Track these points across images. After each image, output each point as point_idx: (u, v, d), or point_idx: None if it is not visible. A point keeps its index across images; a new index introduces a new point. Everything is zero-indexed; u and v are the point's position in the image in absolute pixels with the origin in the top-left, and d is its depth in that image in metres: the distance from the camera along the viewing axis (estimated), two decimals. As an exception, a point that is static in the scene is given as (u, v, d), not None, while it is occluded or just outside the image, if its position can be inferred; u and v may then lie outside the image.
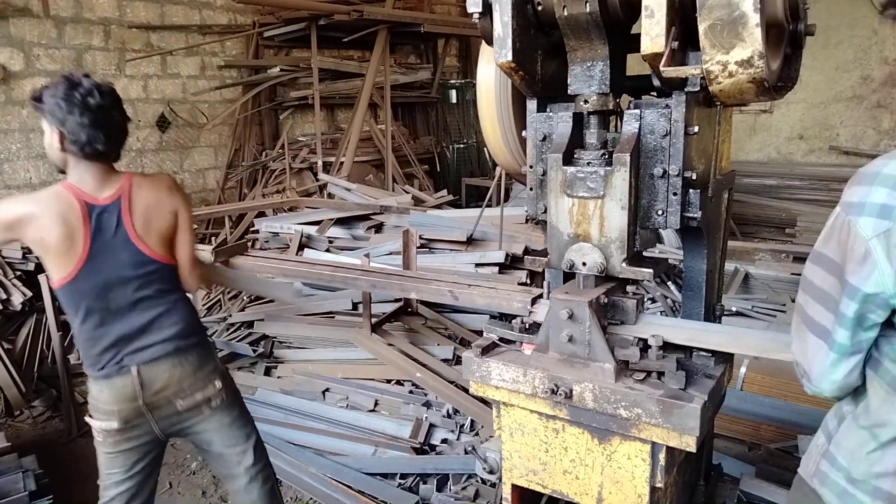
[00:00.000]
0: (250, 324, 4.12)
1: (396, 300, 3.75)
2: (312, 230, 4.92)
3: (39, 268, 4.10)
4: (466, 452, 2.81)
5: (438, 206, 5.58)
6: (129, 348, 1.86)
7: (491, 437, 2.12)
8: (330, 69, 7.56)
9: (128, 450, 1.92)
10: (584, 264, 1.66)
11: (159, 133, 6.67)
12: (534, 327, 1.85)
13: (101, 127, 1.79)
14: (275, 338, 3.98)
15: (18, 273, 4.22)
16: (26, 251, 4.31)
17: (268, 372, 3.79)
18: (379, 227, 5.03)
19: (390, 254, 4.20)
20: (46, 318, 3.85)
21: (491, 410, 1.85)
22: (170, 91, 6.72)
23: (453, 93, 8.74)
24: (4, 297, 4.03)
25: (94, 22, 6.07)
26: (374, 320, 3.44)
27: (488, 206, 4.28)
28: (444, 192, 6.24)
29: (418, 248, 3.74)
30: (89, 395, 1.91)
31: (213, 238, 6.34)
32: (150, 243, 1.88)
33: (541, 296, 2.12)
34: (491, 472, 1.88)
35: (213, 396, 1.98)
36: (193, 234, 2.00)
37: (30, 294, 4.04)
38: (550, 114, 1.79)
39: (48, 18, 5.71)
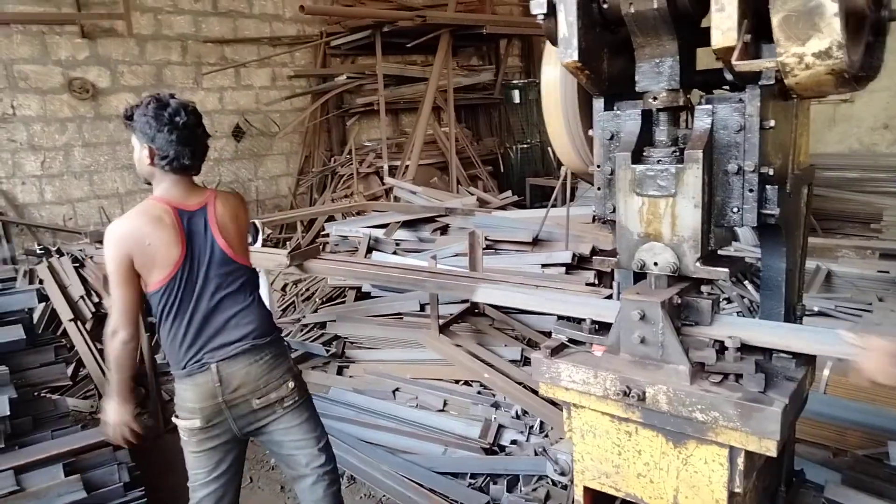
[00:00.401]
0: (322, 325, 4.24)
1: (463, 301, 3.78)
2: (380, 233, 5.01)
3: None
4: (536, 454, 2.80)
5: (503, 208, 5.58)
6: (209, 346, 1.98)
7: (561, 438, 2.11)
8: (394, 75, 7.69)
9: (211, 448, 2.02)
10: (655, 264, 1.63)
11: (235, 143, 6.96)
12: (604, 328, 1.84)
13: (187, 144, 1.95)
14: (346, 338, 4.08)
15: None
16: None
17: (340, 371, 3.89)
18: (444, 229, 5.08)
19: (456, 255, 4.23)
20: (135, 321, 4.08)
21: (560, 412, 1.84)
22: (244, 102, 7.00)
23: (516, 93, 8.72)
24: (97, 300, 4.30)
25: (172, 38, 6.41)
26: (441, 321, 3.48)
27: (554, 206, 4.25)
28: (509, 192, 6.23)
29: (484, 249, 3.76)
30: (175, 394, 2.04)
31: (286, 242, 6.57)
32: (233, 245, 2.02)
33: (609, 296, 2.11)
34: (562, 474, 1.87)
35: (286, 396, 2.06)
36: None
37: (120, 297, 4.29)
38: (618, 112, 1.76)
39: (131, 37, 6.07)
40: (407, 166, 7.02)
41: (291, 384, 2.08)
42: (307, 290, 4.98)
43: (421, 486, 2.80)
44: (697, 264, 1.57)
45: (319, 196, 7.53)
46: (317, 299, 4.75)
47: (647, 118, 1.71)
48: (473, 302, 3.66)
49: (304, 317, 4.45)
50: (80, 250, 4.71)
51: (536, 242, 4.03)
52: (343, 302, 4.52)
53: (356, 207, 5.84)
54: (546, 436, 2.94)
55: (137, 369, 4.21)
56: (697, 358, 1.55)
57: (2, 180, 5.54)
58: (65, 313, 4.11)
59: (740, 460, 1.49)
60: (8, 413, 2.47)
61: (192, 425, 1.98)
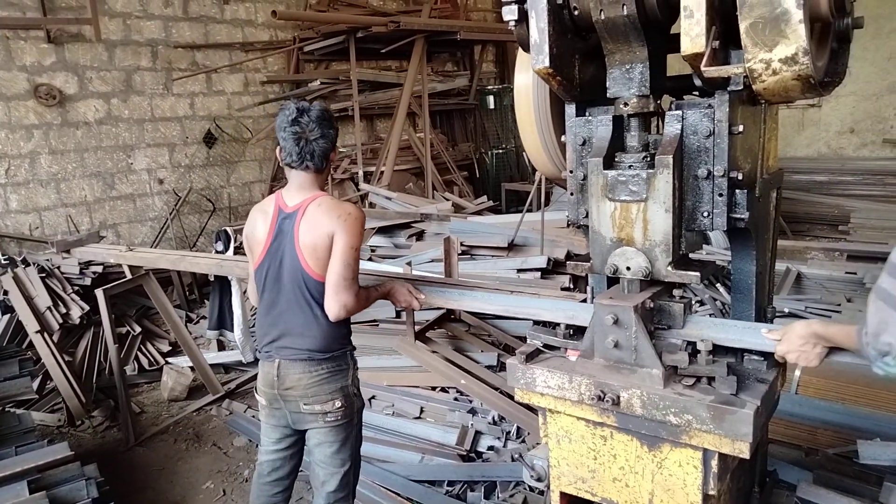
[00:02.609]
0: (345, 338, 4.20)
1: (439, 307, 3.77)
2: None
3: (96, 282, 4.28)
4: (514, 460, 2.80)
5: (479, 213, 5.59)
6: (277, 343, 2.09)
7: (538, 444, 2.11)
8: (369, 80, 7.67)
9: (272, 426, 2.19)
10: (628, 269, 1.64)
11: (206, 149, 6.86)
12: (578, 333, 1.84)
13: (296, 143, 2.03)
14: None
15: (76, 288, 4.40)
16: (83, 266, 4.49)
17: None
18: (420, 235, 5.07)
19: (432, 261, 4.22)
20: (103, 331, 3.99)
21: (537, 417, 1.84)
22: (215, 108, 6.92)
23: (491, 98, 8.75)
24: (64, 311, 4.21)
25: (142, 44, 6.31)
26: (417, 328, 3.46)
27: (529, 211, 4.26)
28: (484, 198, 6.24)
29: (459, 254, 3.75)
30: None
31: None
32: (307, 255, 2.01)
33: (584, 301, 2.11)
34: (539, 480, 1.87)
35: (330, 412, 2.09)
36: (345, 264, 1.99)
37: (87, 308, 4.20)
38: (590, 118, 1.78)
39: (99, 42, 5.96)
40: (382, 172, 7.00)
41: (338, 403, 2.09)
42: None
43: (398, 495, 2.77)
44: (669, 268, 1.58)
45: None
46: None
47: (619, 124, 1.72)
48: (449, 308, 3.65)
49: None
50: (47, 260, 4.60)
51: (512, 247, 4.04)
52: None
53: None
54: (523, 441, 2.94)
55: (106, 381, 4.15)
56: (670, 361, 1.56)
57: (-36, 189, 5.39)
58: (31, 325, 4.00)
59: (714, 462, 1.50)
60: (-31, 429, 2.40)
61: (260, 401, 2.19)
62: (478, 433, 3.02)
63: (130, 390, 3.84)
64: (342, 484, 2.18)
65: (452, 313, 3.68)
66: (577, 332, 1.85)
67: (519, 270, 3.73)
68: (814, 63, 1.32)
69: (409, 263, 3.45)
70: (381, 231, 5.10)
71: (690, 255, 1.69)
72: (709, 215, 1.59)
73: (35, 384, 3.72)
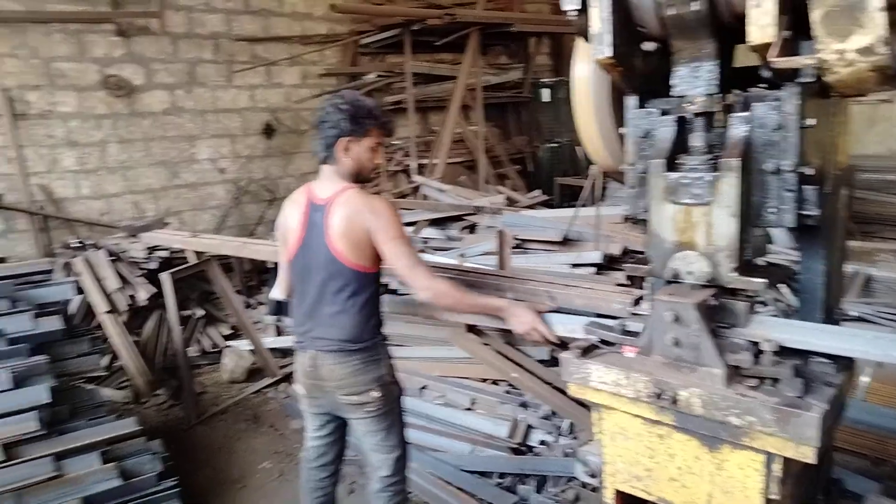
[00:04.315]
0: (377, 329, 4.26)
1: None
2: (407, 231, 5.03)
3: (163, 266, 4.45)
4: (566, 455, 2.79)
5: (532, 206, 5.56)
6: (311, 333, 2.12)
7: (591, 440, 2.10)
8: (423, 73, 7.69)
9: (313, 414, 2.25)
10: (689, 273, 1.60)
11: (266, 140, 7.03)
12: (635, 329, 1.81)
13: (320, 136, 2.08)
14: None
15: (143, 271, 4.59)
16: (149, 251, 4.68)
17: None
18: (472, 228, 5.07)
19: (484, 254, 4.22)
20: (168, 314, 4.16)
21: (590, 413, 1.82)
22: (274, 100, 7.07)
23: (545, 91, 8.65)
24: (131, 293, 4.40)
25: (205, 37, 6.50)
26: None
27: (583, 205, 4.21)
28: (538, 192, 6.19)
29: (512, 248, 3.74)
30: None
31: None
32: (340, 246, 2.00)
33: (641, 297, 2.08)
34: (592, 476, 1.86)
35: (368, 403, 2.10)
36: (401, 249, 2.03)
37: (154, 290, 4.38)
38: (651, 109, 1.74)
39: (165, 35, 6.16)
40: (435, 164, 7.03)
41: (376, 394, 2.10)
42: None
43: (449, 483, 2.80)
44: (733, 274, 1.53)
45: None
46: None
47: (682, 123, 1.67)
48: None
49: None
50: (116, 244, 4.81)
51: (566, 242, 4.01)
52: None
53: (385, 205, 5.86)
54: (575, 437, 2.92)
55: (170, 361, 4.32)
56: (733, 361, 1.52)
57: (41, 175, 5.68)
58: (100, 306, 4.21)
59: (777, 466, 1.46)
60: (48, 401, 2.54)
61: (298, 391, 2.23)
62: (529, 427, 3.02)
63: (192, 371, 3.99)
64: (396, 468, 2.23)
65: (504, 306, 3.67)
66: (634, 328, 1.82)
67: (573, 265, 3.69)
68: (893, 53, 1.26)
69: (461, 255, 3.46)
70: (434, 223, 5.13)
71: (755, 261, 1.64)
72: (776, 211, 1.53)
73: (104, 362, 3.91)
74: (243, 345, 4.44)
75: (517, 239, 4.11)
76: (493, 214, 4.82)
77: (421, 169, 7.14)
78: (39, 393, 2.56)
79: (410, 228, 5.05)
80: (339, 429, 2.29)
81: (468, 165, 7.72)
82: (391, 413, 2.19)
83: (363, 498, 2.99)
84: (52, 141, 5.71)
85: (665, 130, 1.68)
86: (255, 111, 6.98)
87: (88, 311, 4.29)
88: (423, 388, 3.52)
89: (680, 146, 1.66)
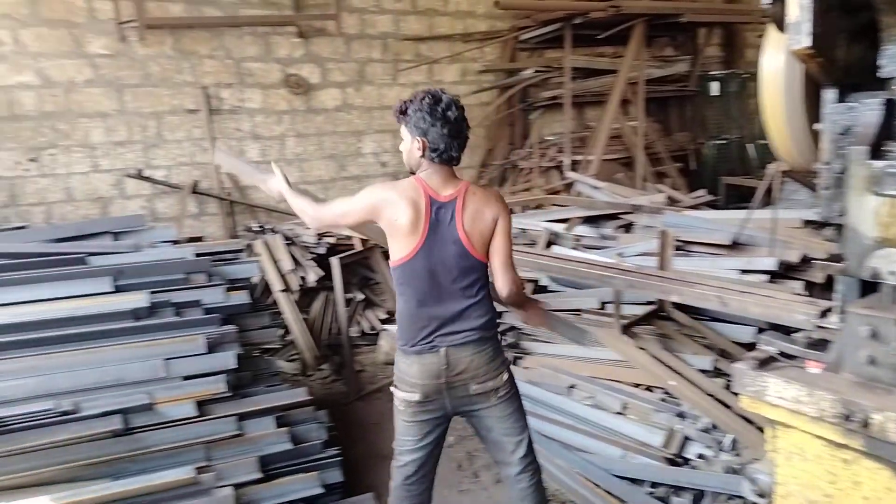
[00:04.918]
0: (499, 314, 4.31)
1: (648, 302, 3.63)
2: (560, 228, 4.98)
3: (331, 251, 4.79)
4: (727, 471, 2.62)
5: (695, 207, 5.25)
6: (441, 331, 2.09)
7: (756, 459, 1.96)
8: (582, 68, 7.55)
9: (422, 421, 2.17)
10: (891, 273, 1.44)
11: (424, 135, 7.29)
12: (821, 343, 1.67)
13: (456, 137, 2.05)
14: (521, 329, 4.12)
15: (313, 255, 4.97)
16: (319, 237, 5.06)
17: (514, 362, 3.93)
18: (628, 227, 4.91)
19: (642, 255, 4.07)
20: (335, 295, 4.48)
21: (756, 430, 1.70)
22: (434, 96, 7.31)
23: (714, 85, 8.12)
24: (302, 274, 4.78)
25: (374, 37, 6.87)
26: (624, 321, 3.37)
27: (757, 207, 3.91)
28: (702, 191, 5.84)
29: (674, 250, 3.58)
30: (396, 367, 2.19)
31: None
32: (472, 241, 2.06)
33: (829, 309, 1.90)
34: (760, 496, 1.74)
35: (500, 387, 2.16)
36: (510, 243, 2.14)
37: (322, 273, 4.73)
38: (852, 104, 1.59)
39: (339, 36, 6.60)
40: (590, 161, 6.88)
41: (506, 376, 2.18)
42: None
43: (597, 486, 2.75)
44: (952, 278, 1.36)
45: (499, 189, 7.65)
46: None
47: (890, 108, 1.51)
48: (660, 303, 3.50)
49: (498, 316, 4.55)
50: (290, 229, 5.25)
51: (735, 246, 3.75)
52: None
53: (538, 201, 5.84)
54: (738, 454, 2.73)
55: (334, 339, 4.65)
56: (944, 386, 1.35)
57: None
58: (276, 284, 4.62)
59: None
60: (235, 366, 2.84)
61: (411, 398, 2.12)
62: (686, 438, 2.87)
63: (354, 350, 4.25)
64: (530, 447, 2.26)
65: (662, 310, 3.53)
66: (819, 341, 1.67)
67: (743, 271, 3.44)
68: None
69: (619, 254, 3.36)
70: (587, 221, 5.02)
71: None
72: None
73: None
74: (398, 329, 4.65)
75: (679, 240, 3.91)
76: (653, 214, 4.62)
77: (575, 165, 7.03)
78: (227, 359, 2.86)
79: (563, 225, 5.00)
80: (443, 433, 2.26)
81: (625, 162, 7.47)
82: (517, 394, 2.26)
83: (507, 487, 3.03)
84: (240, 134, 6.35)
85: (870, 115, 1.52)
86: (417, 107, 7.25)
87: (265, 288, 4.74)
88: (571, 387, 3.47)
89: (886, 132, 1.50)
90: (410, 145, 2.09)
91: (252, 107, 6.36)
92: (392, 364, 4.40)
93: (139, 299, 2.92)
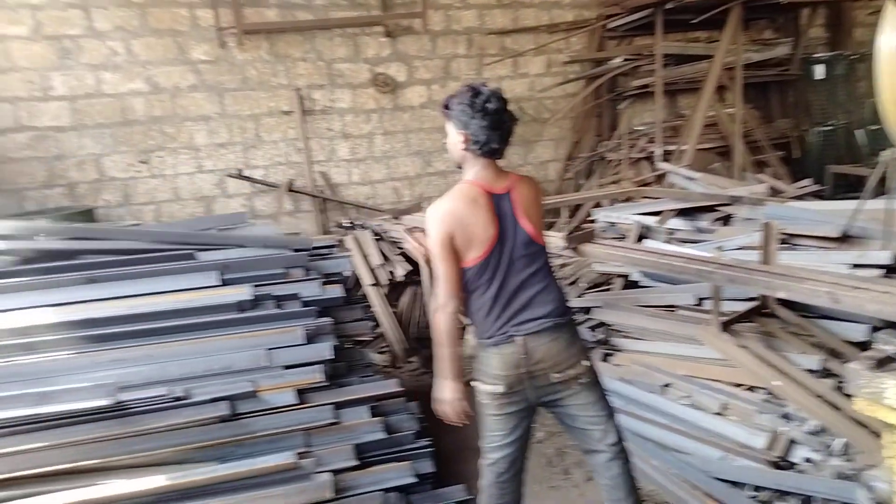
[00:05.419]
0: (587, 310, 4.24)
1: (749, 299, 3.46)
2: (651, 221, 4.83)
3: (417, 247, 4.87)
4: (838, 477, 2.46)
5: (799, 197, 4.96)
6: (516, 320, 2.09)
7: (873, 465, 1.83)
8: (674, 54, 7.27)
9: (509, 413, 2.16)
10: None
11: (509, 129, 7.26)
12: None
13: (496, 128, 2.05)
14: (611, 326, 4.03)
15: (401, 250, 5.06)
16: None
17: (604, 359, 3.86)
18: (726, 220, 4.69)
19: (741, 248, 3.88)
20: (422, 290, 4.55)
21: (871, 434, 1.59)
22: (519, 90, 7.26)
23: (819, 68, 7.60)
24: (391, 269, 4.89)
25: (459, 32, 6.90)
26: (723, 318, 3.23)
27: (869, 197, 3.63)
28: (807, 181, 5.50)
29: (778, 243, 3.38)
30: (478, 362, 2.20)
31: (550, 227, 6.69)
32: (532, 227, 2.13)
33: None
34: (881, 505, 1.63)
35: (582, 374, 2.14)
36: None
37: (410, 268, 4.82)
38: None
39: (426, 34, 6.67)
40: (683, 151, 6.62)
41: (586, 363, 2.17)
42: (571, 274, 5.02)
43: (696, 487, 2.66)
44: None
45: (585, 182, 7.50)
46: (581, 284, 4.76)
47: None
48: (763, 300, 3.33)
49: (568, 301, 4.49)
50: (379, 225, 5.38)
51: (845, 239, 3.50)
52: (609, 289, 4.46)
53: (627, 193, 5.69)
54: (850, 459, 2.56)
55: (422, 333, 4.73)
56: None
57: (321, 164, 6.57)
58: (366, 278, 4.75)
59: None
60: (331, 357, 2.95)
61: (495, 390, 2.12)
62: (791, 441, 2.72)
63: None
64: (618, 433, 2.22)
65: (765, 307, 3.35)
66: (950, 342, 1.55)
67: (853, 265, 3.21)
68: None
69: (718, 248, 3.21)
70: (681, 213, 4.84)
71: None
72: None
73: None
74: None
75: (783, 233, 3.70)
76: (754, 205, 4.39)
77: (667, 156, 6.78)
78: (324, 350, 2.97)
79: (655, 219, 4.84)
80: (529, 426, 2.24)
81: (721, 151, 7.13)
82: (599, 380, 2.23)
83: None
84: (331, 133, 6.56)
85: None
86: (501, 101, 7.23)
87: (356, 282, 4.87)
88: (666, 385, 3.37)
89: None
90: (454, 139, 2.13)
91: (342, 106, 6.54)
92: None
93: (243, 292, 3.09)
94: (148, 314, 3.01)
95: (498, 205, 2.08)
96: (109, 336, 2.92)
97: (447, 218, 2.06)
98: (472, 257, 2.08)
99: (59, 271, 3.19)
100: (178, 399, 2.70)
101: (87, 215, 5.22)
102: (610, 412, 2.23)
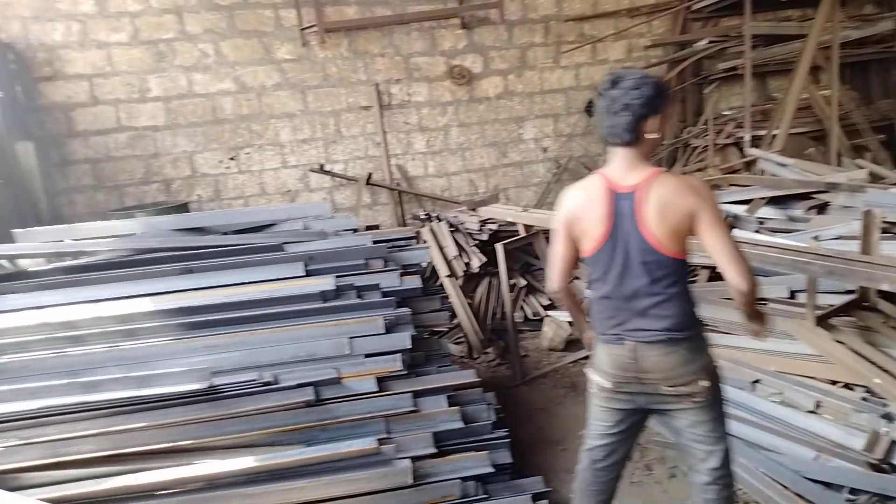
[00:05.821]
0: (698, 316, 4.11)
1: (847, 291, 3.26)
2: (740, 209, 4.62)
3: (494, 238, 4.87)
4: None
5: (903, 183, 4.61)
6: (628, 325, 2.01)
7: None
8: (763, 34, 6.90)
9: (613, 409, 2.12)
10: None
11: (587, 118, 7.13)
12: None
13: (612, 113, 1.92)
14: (698, 319, 3.89)
15: (476, 242, 5.08)
16: (482, 224, 5.15)
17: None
18: (821, 208, 4.43)
19: (839, 238, 3.66)
20: (499, 281, 4.55)
21: None
22: (598, 77, 7.09)
23: (929, 43, 7.02)
24: (467, 260, 4.91)
25: (536, 21, 6.82)
26: (819, 312, 3.06)
27: None
28: (912, 165, 5.11)
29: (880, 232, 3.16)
30: (594, 351, 2.18)
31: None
32: (658, 235, 1.91)
33: None
34: None
35: (696, 393, 2.00)
36: (724, 235, 1.92)
37: (485, 259, 4.83)
38: None
39: (502, 24, 6.63)
40: (774, 135, 6.28)
41: (704, 383, 2.00)
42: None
43: (786, 488, 2.54)
44: None
45: (669, 169, 7.26)
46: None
47: None
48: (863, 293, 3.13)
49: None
50: (454, 217, 5.41)
51: (956, 227, 3.24)
52: (695, 280, 4.31)
53: (714, 181, 5.46)
54: (963, 465, 2.38)
55: (498, 324, 4.74)
56: None
57: (398, 157, 6.67)
58: (442, 270, 4.79)
59: None
60: (409, 346, 3.00)
61: (603, 384, 2.11)
62: (893, 442, 2.55)
63: (519, 334, 4.29)
64: (724, 460, 2.10)
65: (865, 299, 3.15)
66: None
67: (967, 256, 2.97)
68: None
69: (815, 238, 3.03)
70: (773, 201, 4.61)
71: None
72: None
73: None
74: (562, 315, 4.62)
75: (885, 221, 3.45)
76: (852, 192, 4.12)
77: (756, 141, 6.46)
78: (403, 339, 3.03)
79: (744, 207, 4.63)
80: (637, 424, 2.18)
81: (816, 136, 6.72)
82: (718, 403, 2.09)
83: (682, 482, 2.90)
84: (408, 127, 6.65)
85: None
86: (579, 90, 7.12)
87: (432, 273, 4.93)
88: (756, 382, 3.22)
89: None
90: None
91: (419, 100, 6.62)
92: (556, 350, 4.44)
93: (327, 283, 3.19)
94: (239, 303, 3.16)
95: (617, 203, 1.94)
96: (203, 323, 3.09)
97: (566, 203, 2.08)
98: (586, 249, 2.06)
99: (157, 262, 3.41)
100: (266, 384, 2.82)
101: (182, 209, 5.53)
102: (720, 437, 2.10)
